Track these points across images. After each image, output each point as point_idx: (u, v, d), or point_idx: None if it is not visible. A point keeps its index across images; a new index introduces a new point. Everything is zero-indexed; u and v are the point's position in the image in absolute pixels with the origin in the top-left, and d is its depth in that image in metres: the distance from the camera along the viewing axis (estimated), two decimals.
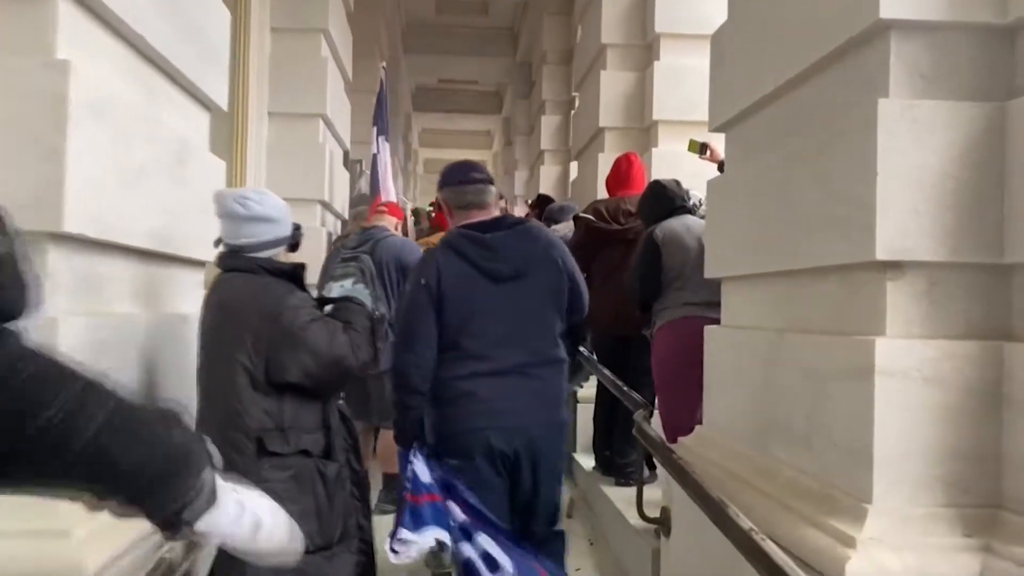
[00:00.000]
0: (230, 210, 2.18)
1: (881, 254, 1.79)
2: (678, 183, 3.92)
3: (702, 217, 3.43)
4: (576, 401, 5.31)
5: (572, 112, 7.88)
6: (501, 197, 4.80)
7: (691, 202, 3.88)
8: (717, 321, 3.64)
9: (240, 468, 2.01)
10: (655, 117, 5.63)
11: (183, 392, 2.19)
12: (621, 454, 4.22)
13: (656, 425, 3.35)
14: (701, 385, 3.62)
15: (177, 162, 2.36)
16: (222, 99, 2.84)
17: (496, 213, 2.71)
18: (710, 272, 2.97)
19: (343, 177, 6.08)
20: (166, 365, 2.28)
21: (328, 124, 5.41)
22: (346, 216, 6.11)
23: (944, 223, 1.80)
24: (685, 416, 3.58)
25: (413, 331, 2.49)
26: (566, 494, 4.88)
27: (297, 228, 2.34)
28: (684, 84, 5.33)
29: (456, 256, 2.53)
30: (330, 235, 5.33)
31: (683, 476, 2.48)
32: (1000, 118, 1.78)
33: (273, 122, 5.08)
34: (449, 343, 2.51)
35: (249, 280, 2.14)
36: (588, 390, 5.08)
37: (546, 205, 5.96)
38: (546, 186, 8.74)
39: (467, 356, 2.50)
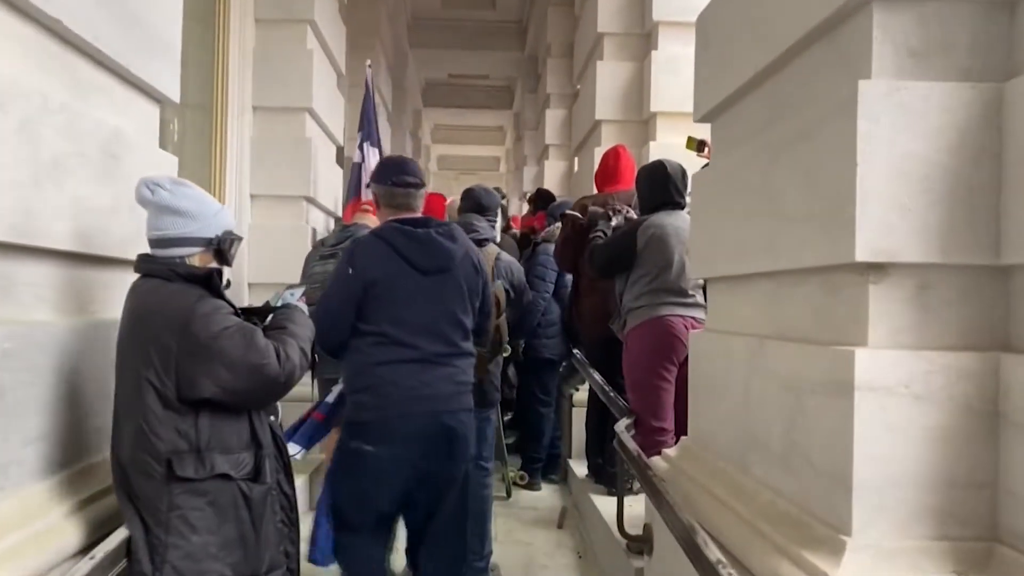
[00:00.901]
0: (140, 196, 1.99)
1: (862, 254, 1.60)
2: (684, 172, 3.69)
3: None
4: (571, 405, 5.13)
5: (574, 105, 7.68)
6: (502, 198, 4.66)
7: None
8: (695, 321, 3.46)
9: (149, 494, 1.84)
10: (653, 109, 5.41)
11: (107, 404, 2.02)
12: (613, 462, 4.01)
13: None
14: (676, 388, 3.43)
15: (108, 157, 2.19)
16: (173, 91, 2.67)
17: (420, 213, 2.84)
18: (695, 272, 2.79)
19: (334, 173, 5.91)
20: (92, 375, 2.11)
21: (316, 118, 5.24)
22: (339, 213, 5.95)
23: (934, 219, 1.60)
24: (655, 424, 3.39)
25: (334, 317, 2.64)
26: (558, 502, 4.74)
27: (228, 235, 2.06)
28: (683, 74, 5.07)
29: (387, 247, 2.64)
30: (314, 231, 5.16)
31: (657, 497, 2.30)
32: (997, 100, 1.58)
33: (257, 116, 4.92)
34: (373, 328, 2.62)
35: (158, 287, 1.94)
36: (582, 394, 4.90)
37: (545, 199, 5.76)
38: (551, 181, 8.53)
39: (391, 343, 2.61)
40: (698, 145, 3.93)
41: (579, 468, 4.69)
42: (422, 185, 2.80)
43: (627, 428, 3.00)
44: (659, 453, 2.91)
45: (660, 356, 3.41)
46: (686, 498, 2.38)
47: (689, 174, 3.79)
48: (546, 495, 4.96)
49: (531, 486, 5.02)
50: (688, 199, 3.69)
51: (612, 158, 4.29)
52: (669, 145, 5.06)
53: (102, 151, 2.17)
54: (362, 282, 2.60)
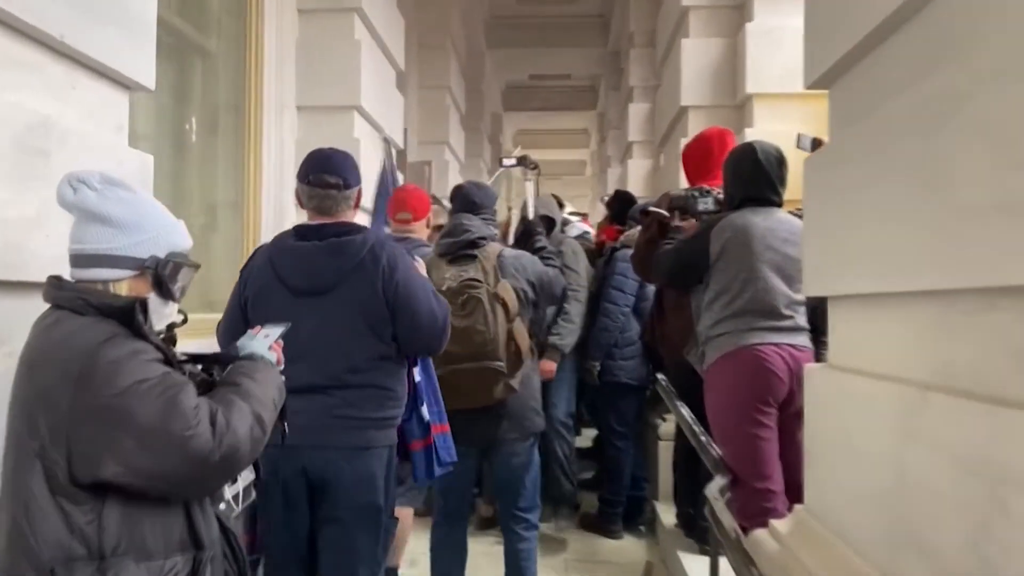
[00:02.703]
0: (60, 195, 1.47)
1: None
2: (782, 159, 2.91)
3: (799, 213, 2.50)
4: (657, 438, 4.44)
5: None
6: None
7: None
8: (793, 350, 2.71)
9: None
10: (749, 90, 4.68)
11: None
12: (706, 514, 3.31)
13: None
14: (776, 438, 2.71)
15: (29, 152, 1.69)
16: (143, 74, 2.17)
17: (346, 219, 2.38)
18: (810, 288, 2.10)
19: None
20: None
21: (366, 117, 4.73)
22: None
23: None
24: (757, 486, 2.67)
25: (223, 330, 2.41)
26: (642, 555, 4.06)
27: (173, 257, 1.53)
28: (784, 49, 4.40)
29: (267, 261, 2.35)
30: None
31: None
32: None
33: (301, 116, 4.45)
34: None
35: (59, 322, 1.41)
36: (670, 425, 4.21)
37: (623, 203, 5.09)
38: (634, 182, 7.80)
39: None
40: (811, 144, 3.17)
41: (667, 515, 3.99)
42: (345, 187, 2.35)
43: (720, 491, 2.32)
44: (764, 523, 2.23)
45: (753, 397, 2.67)
46: None
47: (792, 171, 3.06)
48: (628, 545, 4.25)
49: (611, 533, 4.34)
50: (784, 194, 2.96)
51: (716, 144, 3.49)
52: (768, 132, 4.28)
53: (18, 145, 1.67)
54: (243, 297, 2.37)
